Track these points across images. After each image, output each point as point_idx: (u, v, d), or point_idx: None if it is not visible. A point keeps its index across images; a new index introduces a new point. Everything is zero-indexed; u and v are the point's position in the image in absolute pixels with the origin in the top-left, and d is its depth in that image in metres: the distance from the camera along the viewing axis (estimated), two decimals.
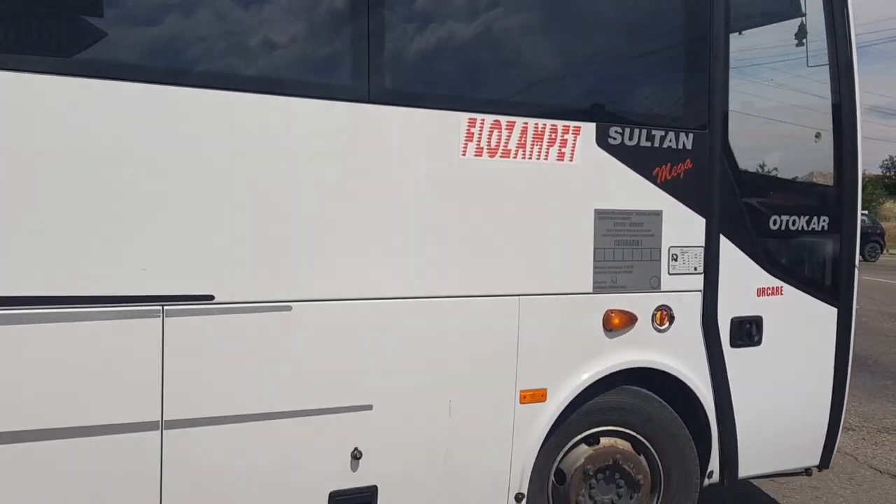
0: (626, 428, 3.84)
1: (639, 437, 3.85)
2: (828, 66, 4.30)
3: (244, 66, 2.96)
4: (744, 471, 4.12)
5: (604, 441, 3.81)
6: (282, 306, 3.01)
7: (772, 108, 4.45)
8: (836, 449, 4.44)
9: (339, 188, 3.08)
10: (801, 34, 4.38)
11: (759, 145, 4.39)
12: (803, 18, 4.34)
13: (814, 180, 4.48)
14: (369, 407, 3.20)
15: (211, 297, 2.90)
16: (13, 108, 2.57)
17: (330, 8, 3.12)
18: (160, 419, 2.85)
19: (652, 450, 3.88)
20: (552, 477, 3.74)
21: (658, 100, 3.80)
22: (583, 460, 3.76)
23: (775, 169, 4.39)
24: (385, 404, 3.23)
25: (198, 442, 2.91)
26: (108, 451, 2.79)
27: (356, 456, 3.19)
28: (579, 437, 3.77)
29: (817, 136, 4.69)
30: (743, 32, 4.11)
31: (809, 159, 4.47)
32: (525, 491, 3.58)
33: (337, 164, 3.07)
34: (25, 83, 2.58)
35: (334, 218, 3.08)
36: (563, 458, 3.76)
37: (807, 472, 4.47)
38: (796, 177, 4.52)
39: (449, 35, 3.30)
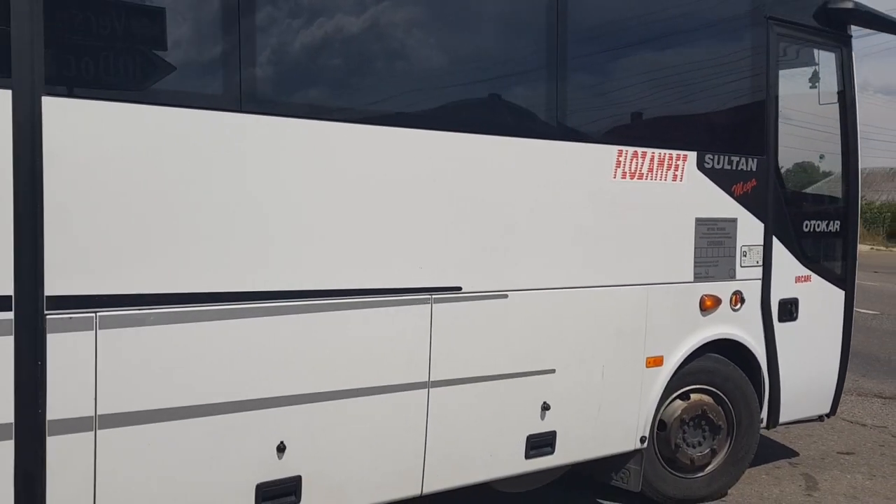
0: (709, 386, 4.97)
1: (718, 392, 5.00)
2: (836, 104, 5.58)
3: (488, 117, 3.92)
4: (783, 418, 5.35)
5: (693, 396, 4.94)
6: (501, 295, 3.97)
7: (796, 137, 5.69)
8: (840, 399, 5.73)
9: (536, 208, 4.06)
10: (815, 79, 5.65)
11: (790, 166, 5.62)
12: (816, 67, 5.60)
13: (828, 194, 5.75)
14: (553, 370, 4.20)
15: (459, 289, 3.83)
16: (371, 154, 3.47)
17: (527, 76, 4.09)
18: (427, 380, 3.76)
19: (728, 402, 5.03)
20: (656, 425, 4.83)
21: (736, 133, 4.94)
22: (679, 412, 4.87)
23: (803, 185, 5.64)
24: (563, 369, 4.23)
25: (450, 397, 3.83)
26: (392, 404, 3.67)
27: (545, 407, 4.18)
28: (676, 394, 4.87)
29: (821, 157, 6.01)
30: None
31: (822, 177, 5.75)
32: (647, 435, 4.66)
33: (536, 189, 4.05)
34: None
35: (532, 229, 4.05)
36: (663, 410, 4.85)
37: (820, 418, 5.76)
38: (817, 191, 5.77)
39: (614, 90, 4.35)
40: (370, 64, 3.57)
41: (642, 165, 4.44)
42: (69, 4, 2.84)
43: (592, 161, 4.26)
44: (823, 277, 5.44)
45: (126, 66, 2.97)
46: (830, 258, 5.57)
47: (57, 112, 2.79)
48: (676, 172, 4.59)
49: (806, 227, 5.35)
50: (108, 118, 2.91)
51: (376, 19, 3.55)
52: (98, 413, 2.95)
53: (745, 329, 5.02)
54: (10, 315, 2.77)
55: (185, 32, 3.10)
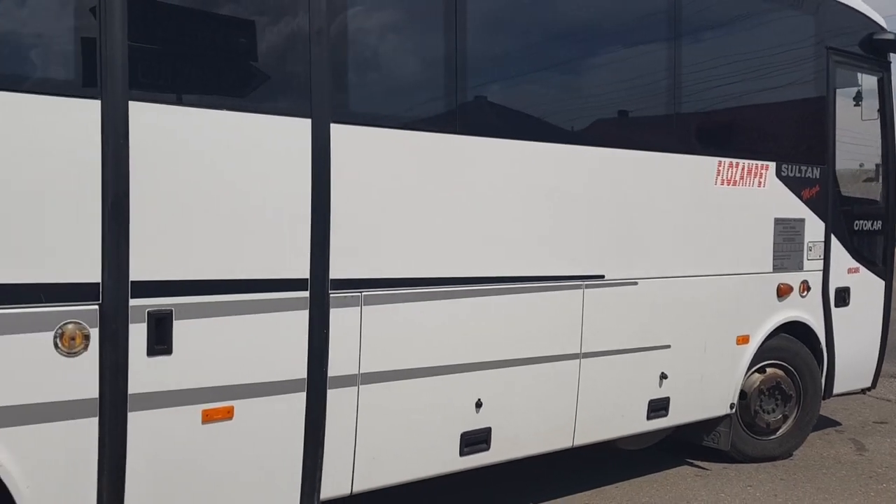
0: (782, 361, 5.84)
1: (789, 366, 5.88)
2: (877, 120, 6.50)
3: (628, 134, 4.77)
4: (836, 389, 6.23)
5: (769, 370, 5.80)
6: (633, 282, 4.80)
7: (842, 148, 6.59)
8: (879, 375, 6.64)
9: (659, 210, 4.89)
10: (858, 98, 6.56)
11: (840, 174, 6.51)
12: (860, 88, 6.50)
13: (870, 197, 6.66)
14: (668, 346, 5.03)
15: (602, 277, 4.65)
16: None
17: (657, 103, 4.92)
18: (579, 351, 4.58)
19: (797, 375, 5.91)
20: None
21: (805, 145, 5.82)
22: (758, 383, 5.74)
23: (851, 189, 6.53)
24: (677, 345, 5.07)
25: (595, 366, 4.65)
26: (554, 372, 4.48)
27: (663, 377, 5.01)
28: (755, 367, 5.73)
29: (860, 165, 6.93)
30: None
31: (870, 183, 6.66)
32: (734, 402, 5.52)
33: (658, 194, 4.87)
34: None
35: (655, 228, 4.88)
36: (745, 381, 5.70)
37: (863, 391, 6.66)
38: (862, 195, 6.68)
39: (718, 111, 5.21)
40: (562, 100, 4.40)
41: (735, 174, 5.30)
42: (358, 50, 3.65)
43: (700, 171, 5.11)
44: (868, 269, 6.34)
45: (400, 101, 3.78)
46: (873, 252, 6.47)
47: (343, 137, 3.57)
48: (760, 180, 5.46)
49: (856, 225, 6.25)
50: (381, 142, 3.71)
51: (579, 70, 4.39)
52: (360, 371, 3.73)
53: (810, 313, 5.91)
54: (305, 294, 3.54)
55: (425, 77, 3.90)
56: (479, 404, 4.17)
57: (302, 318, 3.55)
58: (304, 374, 3.57)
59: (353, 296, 3.67)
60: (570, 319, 4.53)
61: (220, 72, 3.40)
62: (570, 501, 4.99)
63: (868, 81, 6.46)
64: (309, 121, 3.50)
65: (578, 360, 4.59)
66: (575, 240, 4.52)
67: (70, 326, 2.97)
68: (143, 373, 3.14)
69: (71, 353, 2.99)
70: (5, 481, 2.89)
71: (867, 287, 6.34)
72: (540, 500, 4.96)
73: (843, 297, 6.12)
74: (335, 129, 3.56)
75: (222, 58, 3.39)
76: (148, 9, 3.14)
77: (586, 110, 4.68)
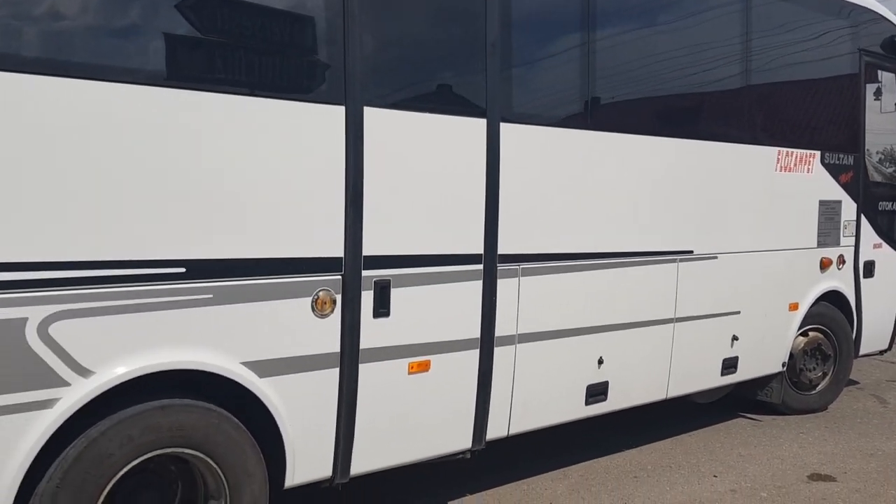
0: (822, 325, 6.67)
1: (828, 330, 6.71)
2: (894, 112, 7.35)
3: (714, 128, 5.50)
4: (862, 351, 7.10)
5: (811, 334, 6.63)
6: (713, 256, 5.55)
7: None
8: (895, 339, 7.53)
9: (733, 193, 5.64)
10: (878, 93, 7.39)
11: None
12: (881, 84, 7.33)
13: (890, 182, 7.52)
14: (738, 312, 5.81)
15: (692, 252, 5.39)
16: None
17: (735, 102, 5.67)
18: (674, 316, 5.33)
19: (834, 337, 6.75)
20: None
21: (843, 135, 6.62)
22: (802, 344, 6.57)
23: (876, 174, 7.38)
24: (745, 311, 5.84)
25: (684, 330, 5.40)
26: (655, 334, 5.21)
27: (734, 339, 5.79)
28: (800, 331, 6.55)
29: (877, 153, 7.77)
30: None
31: (892, 168, 7.52)
32: (786, 361, 6.34)
33: (734, 180, 5.63)
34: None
35: (731, 209, 5.64)
36: (792, 343, 6.51)
37: (881, 352, 7.56)
38: (885, 179, 7.53)
39: (777, 105, 5.97)
40: (666, 100, 5.13)
41: (791, 161, 6.08)
42: (519, 61, 4.31)
43: (764, 159, 5.88)
44: (889, 244, 7.21)
45: (548, 103, 4.47)
46: (893, 230, 7.34)
47: (511, 135, 4.24)
48: (809, 166, 6.26)
49: (880, 206, 7.10)
50: (535, 138, 4.39)
51: (680, 77, 5.11)
52: (518, 332, 4.42)
53: (845, 283, 6.75)
54: (480, 266, 4.21)
55: (568, 85, 4.59)
56: (600, 361, 4.89)
57: (477, 286, 4.22)
58: (478, 335, 4.25)
59: (514, 268, 4.36)
60: (667, 289, 5.27)
61: (424, 84, 4.05)
62: (655, 447, 5.75)
63: (888, 78, 7.29)
64: (485, 121, 4.16)
65: (673, 324, 5.34)
66: (673, 219, 5.25)
67: (322, 293, 3.61)
68: (370, 331, 3.80)
69: (323, 315, 3.63)
70: (276, 418, 3.53)
71: (888, 260, 7.21)
72: (634, 445, 5.71)
73: (869, 269, 6.98)
74: (503, 127, 4.22)
75: (426, 74, 4.05)
76: (379, 41, 3.78)
77: (682, 109, 5.41)
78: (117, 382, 3.08)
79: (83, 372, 3.02)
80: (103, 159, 3.03)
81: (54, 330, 2.93)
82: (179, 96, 3.20)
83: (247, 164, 3.39)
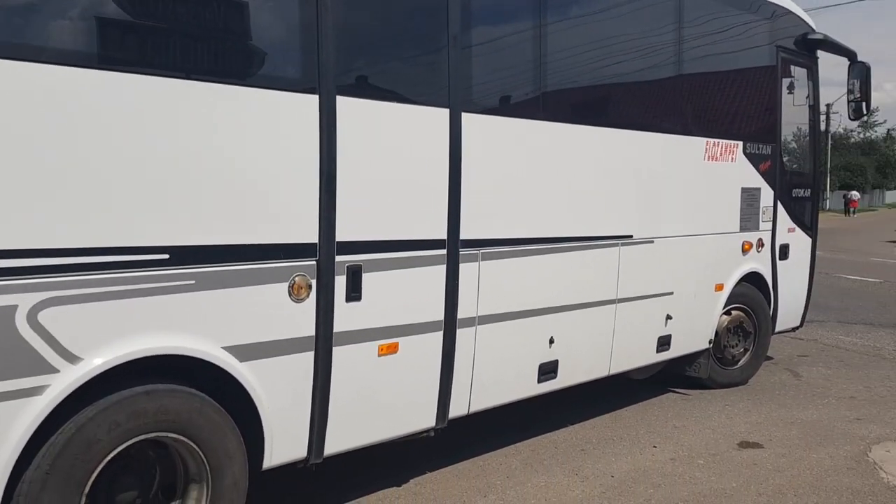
0: (743, 304, 7.15)
1: (748, 309, 7.20)
2: (806, 105, 7.91)
3: (652, 120, 5.80)
4: (777, 328, 7.65)
5: (734, 312, 7.10)
6: (650, 241, 5.88)
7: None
8: (806, 316, 8.13)
9: (668, 182, 5.99)
10: (791, 87, 7.92)
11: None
12: (793, 78, 7.86)
13: (801, 170, 8.07)
14: (672, 293, 6.17)
15: (631, 237, 5.71)
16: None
17: (672, 98, 6.00)
18: (616, 297, 5.63)
19: (754, 315, 7.24)
20: None
21: (762, 127, 7.09)
22: (726, 322, 7.02)
23: (789, 163, 7.92)
24: (678, 291, 6.21)
25: (625, 310, 5.71)
26: (599, 314, 5.50)
27: (668, 318, 6.16)
28: (724, 310, 7.00)
29: (790, 143, 8.32)
30: None
31: (799, 158, 8.08)
32: (712, 338, 6.77)
33: (668, 169, 5.97)
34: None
35: (665, 196, 5.98)
36: (717, 322, 6.95)
37: (794, 329, 8.14)
38: (796, 168, 8.07)
39: (706, 99, 6.35)
40: (610, 93, 5.38)
41: (717, 151, 6.48)
42: (480, 57, 4.47)
43: (695, 149, 6.25)
44: (801, 229, 7.76)
45: (504, 95, 4.63)
46: (804, 215, 7.89)
47: (471, 125, 4.40)
48: (732, 156, 6.68)
49: (793, 193, 7.63)
50: (494, 128, 4.56)
51: (622, 74, 5.36)
52: (478, 314, 4.61)
53: (764, 265, 7.24)
54: (443, 251, 4.37)
55: (522, 78, 4.78)
56: (551, 341, 5.14)
57: (441, 270, 4.38)
58: (442, 317, 4.42)
59: (474, 253, 4.54)
60: (610, 271, 5.56)
61: (392, 75, 4.18)
62: (596, 422, 6.07)
63: (800, 73, 7.82)
64: (447, 111, 4.31)
65: (615, 305, 5.64)
66: (615, 206, 5.55)
67: (298, 278, 3.70)
68: (343, 315, 3.91)
69: (299, 300, 3.72)
70: (255, 401, 3.61)
71: (800, 244, 7.76)
72: (576, 420, 6.01)
73: (784, 251, 7.50)
74: (465, 117, 4.38)
75: (395, 65, 4.18)
76: (352, 34, 3.87)
77: (625, 102, 5.71)
78: (105, 368, 3.10)
79: (72, 358, 3.02)
80: (89, 147, 3.04)
81: (43, 317, 2.93)
82: (161, 84, 3.23)
83: (228, 152, 3.45)
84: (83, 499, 3.12)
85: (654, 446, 5.57)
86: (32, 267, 2.89)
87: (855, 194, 50.14)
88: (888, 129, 58.94)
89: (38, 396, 2.96)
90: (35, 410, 2.95)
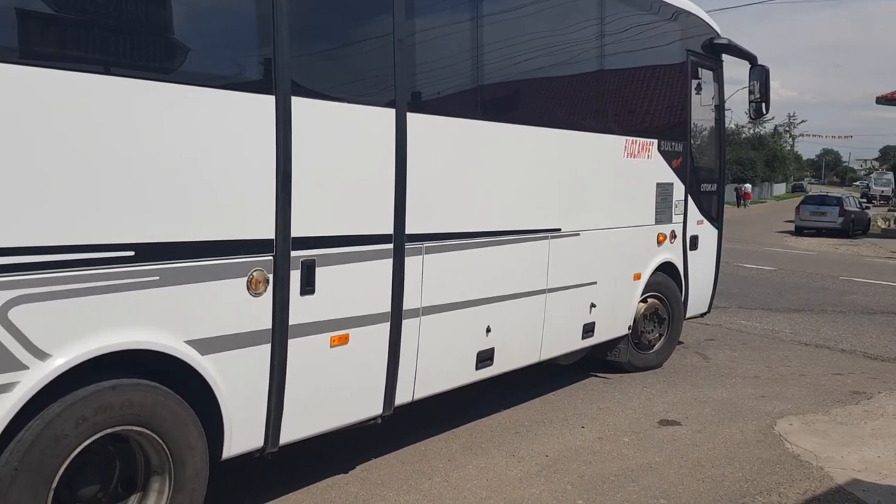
0: (658, 293, 7.61)
1: (663, 297, 7.67)
2: (713, 106, 8.46)
3: (577, 119, 6.11)
4: (688, 314, 8.17)
5: (649, 300, 7.55)
6: (576, 234, 6.23)
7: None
8: (713, 302, 8.70)
9: (592, 178, 6.34)
10: (699, 88, 8.45)
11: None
12: (701, 80, 8.39)
13: (709, 166, 8.61)
14: (595, 283, 6.54)
15: (559, 230, 6.03)
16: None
17: (597, 100, 6.34)
18: (546, 287, 5.94)
19: (668, 302, 7.72)
20: None
21: (675, 126, 7.55)
22: (643, 310, 7.47)
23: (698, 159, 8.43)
24: (601, 281, 6.59)
25: (554, 300, 6.04)
26: (531, 304, 5.80)
27: (592, 306, 6.53)
28: (641, 298, 7.44)
29: (698, 140, 8.86)
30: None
31: (707, 155, 8.62)
32: (631, 324, 7.20)
33: (592, 166, 6.32)
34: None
35: (590, 191, 6.34)
36: (636, 309, 7.39)
37: (703, 315, 8.70)
38: (704, 164, 8.60)
39: (625, 100, 6.73)
40: (549, 94, 5.64)
41: (635, 149, 6.89)
42: (422, 57, 4.66)
43: (615, 147, 6.63)
44: (709, 221, 8.31)
45: (442, 94, 4.83)
46: (712, 208, 8.44)
47: (416, 124, 4.59)
48: (649, 153, 7.11)
49: (702, 188, 8.16)
50: (433, 128, 4.76)
51: (548, 76, 5.63)
52: (422, 305, 4.81)
53: (676, 255, 7.73)
54: (391, 245, 4.55)
55: (462, 80, 5.00)
56: (488, 329, 5.39)
57: (388, 264, 4.56)
58: (389, 308, 4.60)
59: (419, 246, 4.74)
60: (540, 263, 5.87)
61: (344, 76, 4.32)
62: (527, 406, 6.39)
63: (707, 75, 8.35)
64: (394, 111, 4.49)
65: (545, 295, 5.96)
66: (545, 200, 5.85)
67: (256, 273, 3.81)
68: (297, 308, 4.04)
69: (257, 294, 3.83)
70: (216, 393, 3.71)
71: (708, 235, 8.31)
72: (508, 406, 6.30)
73: (694, 242, 8.02)
74: (410, 117, 4.57)
75: (346, 67, 4.32)
76: (306, 37, 3.99)
77: (554, 102, 6.02)
78: (74, 364, 3.15)
79: (41, 355, 3.06)
80: (55, 147, 3.07)
81: (14, 314, 2.96)
82: (117, 84, 3.28)
83: (190, 151, 3.53)
84: (51, 493, 3.16)
85: (583, 427, 5.92)
86: (2, 265, 2.92)
87: (748, 187, 52.79)
88: (775, 126, 62.25)
89: (7, 394, 2.98)
90: (5, 407, 2.98)
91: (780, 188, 71.33)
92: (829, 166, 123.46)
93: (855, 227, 30.32)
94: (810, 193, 37.79)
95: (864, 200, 53.93)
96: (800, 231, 30.52)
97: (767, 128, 59.56)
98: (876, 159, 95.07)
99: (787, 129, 63.21)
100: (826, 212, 30.17)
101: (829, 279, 15.26)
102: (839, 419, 6.22)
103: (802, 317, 10.92)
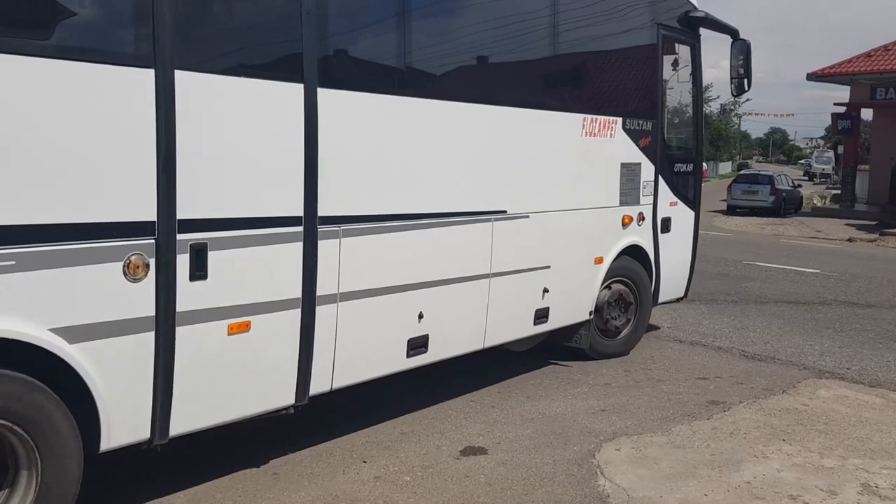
0: (624, 277, 7.33)
1: (629, 282, 7.38)
2: (690, 83, 8.10)
3: (526, 95, 5.83)
4: (661, 299, 7.87)
5: (614, 286, 7.27)
6: (525, 215, 5.96)
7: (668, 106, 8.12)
8: (690, 287, 8.39)
9: (543, 158, 6.06)
10: (675, 65, 8.09)
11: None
12: (676, 56, 8.03)
13: (684, 146, 8.28)
14: (549, 267, 6.28)
15: (505, 212, 5.76)
16: None
17: (549, 75, 6.04)
18: (489, 272, 5.69)
19: (635, 288, 7.43)
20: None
21: (642, 103, 7.23)
22: (607, 296, 7.19)
23: (672, 138, 8.10)
24: (555, 265, 6.32)
25: (499, 284, 5.79)
26: (472, 288, 5.56)
27: (545, 291, 6.26)
28: (605, 283, 7.17)
29: (675, 119, 8.52)
30: None
31: (682, 134, 8.28)
32: (592, 310, 6.93)
33: (543, 145, 6.04)
34: None
35: (541, 172, 6.06)
36: (598, 294, 7.12)
37: (679, 300, 8.40)
38: (679, 144, 8.26)
39: (582, 75, 6.42)
40: (486, 68, 5.36)
41: (595, 127, 6.59)
42: (337, 29, 4.40)
43: (571, 125, 6.34)
44: (684, 203, 7.98)
45: (366, 69, 4.58)
46: (687, 189, 8.12)
47: (329, 100, 4.35)
48: (611, 132, 6.80)
49: (675, 168, 7.83)
50: (350, 105, 4.51)
51: (488, 50, 5.35)
52: (340, 291, 4.60)
53: (645, 238, 7.43)
54: (300, 228, 4.33)
55: (388, 52, 4.73)
56: (420, 316, 5.17)
57: (297, 248, 4.34)
58: (300, 294, 4.39)
59: (334, 230, 4.51)
60: (482, 246, 5.62)
61: (239, 48, 4.07)
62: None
63: (683, 50, 7.99)
64: (302, 86, 4.25)
65: (489, 279, 5.71)
66: (487, 181, 5.59)
67: (134, 257, 3.61)
68: (187, 295, 3.83)
69: (135, 280, 3.63)
70: (87, 383, 3.52)
71: (683, 217, 7.99)
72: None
73: (667, 225, 7.71)
74: (321, 93, 4.33)
75: (242, 38, 4.07)
76: (192, 4, 3.77)
77: (495, 77, 5.73)
78: None
79: None
80: None
81: None
82: None
83: (53, 128, 3.31)
84: None
85: (364, 462, 5.46)
86: None
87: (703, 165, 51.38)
88: (721, 105, 60.72)
89: None
90: None
91: (725, 167, 69.75)
92: (777, 144, 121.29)
93: (787, 206, 28.68)
94: (742, 172, 36.53)
95: (806, 178, 54.41)
96: (732, 210, 28.92)
97: (713, 107, 58.37)
98: (821, 137, 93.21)
99: (733, 107, 61.80)
100: (757, 190, 28.69)
101: (733, 264, 14.17)
102: (678, 441, 5.35)
103: (688, 308, 9.71)
